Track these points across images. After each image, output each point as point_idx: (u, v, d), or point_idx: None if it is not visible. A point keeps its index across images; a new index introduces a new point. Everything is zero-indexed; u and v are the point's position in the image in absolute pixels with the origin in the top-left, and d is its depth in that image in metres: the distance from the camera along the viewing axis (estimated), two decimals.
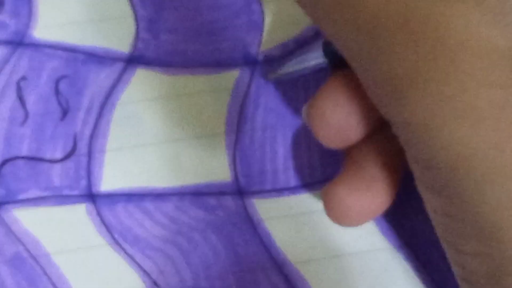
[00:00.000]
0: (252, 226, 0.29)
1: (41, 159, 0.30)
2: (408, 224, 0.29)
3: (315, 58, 0.28)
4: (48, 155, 0.30)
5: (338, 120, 0.26)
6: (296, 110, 0.31)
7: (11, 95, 0.30)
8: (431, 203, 0.23)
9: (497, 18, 0.21)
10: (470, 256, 0.22)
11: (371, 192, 0.26)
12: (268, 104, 0.31)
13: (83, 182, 0.29)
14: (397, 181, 0.27)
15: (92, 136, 0.30)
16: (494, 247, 0.21)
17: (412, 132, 0.22)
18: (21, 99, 0.30)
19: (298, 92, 0.31)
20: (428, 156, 0.22)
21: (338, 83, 0.26)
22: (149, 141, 0.30)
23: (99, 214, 0.29)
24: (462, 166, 0.21)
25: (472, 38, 0.20)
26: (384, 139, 0.26)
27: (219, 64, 0.31)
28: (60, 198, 0.29)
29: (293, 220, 0.29)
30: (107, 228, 0.29)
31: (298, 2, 0.24)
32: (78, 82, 0.31)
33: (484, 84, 0.20)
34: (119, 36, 0.31)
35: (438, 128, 0.21)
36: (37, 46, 0.31)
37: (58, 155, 0.30)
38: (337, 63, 0.27)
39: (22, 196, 0.29)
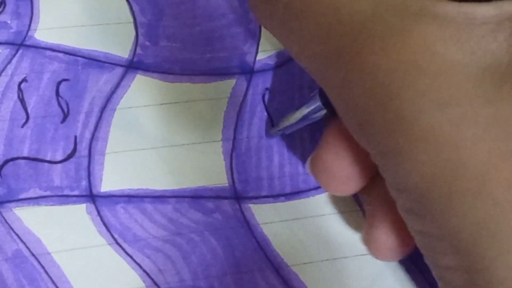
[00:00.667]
0: (249, 229, 0.30)
1: (41, 160, 0.30)
2: None
3: (314, 109, 0.28)
4: (48, 157, 0.30)
5: (342, 171, 0.27)
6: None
7: (12, 97, 0.31)
8: (409, 223, 0.24)
9: (461, 34, 0.21)
10: (446, 270, 0.23)
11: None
12: (264, 113, 0.31)
13: (84, 183, 0.30)
14: None
15: (92, 139, 0.31)
16: (465, 261, 0.22)
17: (382, 159, 0.23)
18: (22, 101, 0.31)
19: (293, 102, 0.32)
20: (398, 181, 0.22)
21: (336, 133, 0.27)
22: (148, 145, 0.31)
23: (99, 214, 0.30)
24: (428, 187, 0.21)
25: (428, 57, 0.21)
26: None
27: (216, 72, 0.32)
28: (60, 197, 0.30)
29: (289, 224, 0.30)
30: (107, 228, 0.30)
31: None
32: (78, 86, 0.31)
33: (440, 104, 0.20)
34: (119, 41, 0.32)
35: (403, 154, 0.21)
36: (39, 48, 0.32)
37: (59, 156, 0.30)
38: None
39: (23, 195, 0.30)
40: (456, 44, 0.21)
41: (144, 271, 0.29)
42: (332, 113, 0.27)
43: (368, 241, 0.28)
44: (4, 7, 0.32)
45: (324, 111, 0.28)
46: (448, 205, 0.21)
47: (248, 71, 0.32)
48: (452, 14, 0.21)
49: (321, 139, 0.27)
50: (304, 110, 0.29)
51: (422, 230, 0.23)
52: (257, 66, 0.32)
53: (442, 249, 0.22)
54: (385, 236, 0.27)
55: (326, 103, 0.27)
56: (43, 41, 0.32)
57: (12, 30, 0.32)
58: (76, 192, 0.30)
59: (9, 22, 0.32)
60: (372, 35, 0.21)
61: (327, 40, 0.22)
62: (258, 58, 0.32)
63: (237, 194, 0.30)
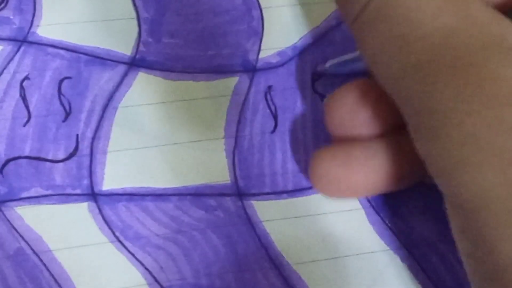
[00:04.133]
0: (251, 227, 0.30)
1: (43, 159, 0.30)
2: (405, 226, 0.30)
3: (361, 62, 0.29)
4: (50, 156, 0.30)
5: (345, 117, 0.27)
6: (293, 116, 0.31)
7: (14, 95, 0.31)
8: (459, 243, 0.24)
9: None
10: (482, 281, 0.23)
11: (362, 169, 0.27)
12: (267, 110, 0.31)
13: (85, 182, 0.30)
14: (396, 171, 0.28)
15: (94, 138, 0.31)
16: None
17: (442, 169, 0.23)
18: (24, 99, 0.31)
19: (295, 98, 0.32)
20: (454, 193, 0.22)
21: (361, 85, 0.27)
22: (150, 143, 0.31)
23: (100, 212, 0.30)
24: (480, 206, 0.21)
25: (506, 83, 0.21)
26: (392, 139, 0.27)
27: (219, 70, 0.32)
28: (62, 196, 0.30)
29: (291, 222, 0.30)
30: (109, 226, 0.29)
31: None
32: (80, 84, 0.31)
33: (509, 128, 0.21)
34: (122, 38, 0.32)
35: (463, 168, 0.21)
36: (41, 44, 0.32)
37: (60, 155, 0.30)
38: None
39: (24, 194, 0.30)
40: None
41: (146, 268, 0.29)
42: None
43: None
44: (6, 3, 0.32)
45: None
46: (496, 228, 0.21)
47: (251, 69, 0.32)
48: None
49: (349, 82, 0.28)
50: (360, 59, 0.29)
51: (469, 252, 0.23)
52: (259, 64, 0.32)
53: (485, 275, 0.22)
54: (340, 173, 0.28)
55: None
56: (45, 38, 0.32)
57: (14, 26, 0.32)
58: (77, 191, 0.30)
59: (11, 17, 0.32)
60: (448, 56, 0.22)
61: (402, 52, 0.23)
62: (260, 56, 0.32)
63: (240, 191, 0.30)
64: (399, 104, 0.24)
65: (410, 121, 0.24)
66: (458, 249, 0.24)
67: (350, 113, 0.27)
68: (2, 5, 0.32)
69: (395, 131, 0.27)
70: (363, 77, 0.29)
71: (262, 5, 0.33)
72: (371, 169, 0.27)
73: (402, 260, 0.30)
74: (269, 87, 0.32)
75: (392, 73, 0.24)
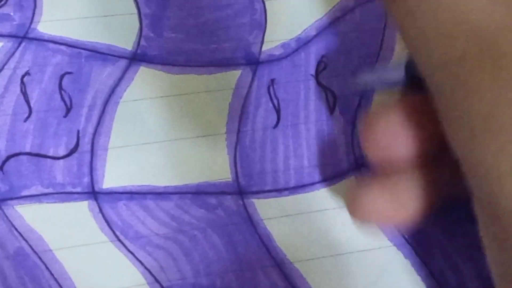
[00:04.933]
0: (252, 226, 0.29)
1: (44, 156, 0.30)
2: None
3: (395, 74, 0.28)
4: (51, 152, 0.30)
5: (385, 139, 0.26)
6: (296, 110, 0.31)
7: (15, 91, 0.31)
8: (488, 249, 0.23)
9: None
10: None
11: (399, 201, 0.26)
12: (269, 104, 0.31)
13: (86, 179, 0.30)
14: (429, 205, 0.27)
15: (95, 134, 0.30)
16: None
17: (480, 175, 0.22)
18: (24, 95, 0.31)
19: (299, 91, 0.31)
20: (492, 202, 0.21)
21: (401, 105, 0.26)
22: (151, 139, 0.30)
23: (101, 211, 0.29)
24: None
25: None
26: (430, 164, 0.27)
27: (221, 63, 0.31)
28: (62, 195, 0.30)
29: (292, 220, 0.30)
30: (109, 225, 0.29)
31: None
32: (81, 79, 0.31)
33: None
34: (123, 33, 0.32)
35: (504, 176, 0.21)
36: (41, 40, 0.31)
37: (61, 151, 0.30)
38: (413, 86, 0.26)
39: (25, 193, 0.29)
40: None
41: (146, 268, 0.29)
42: (408, 88, 0.27)
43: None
44: None
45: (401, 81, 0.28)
46: None
47: (254, 62, 0.32)
48: None
49: (385, 104, 0.27)
50: (384, 76, 0.28)
51: (501, 260, 0.22)
52: (262, 57, 0.32)
53: None
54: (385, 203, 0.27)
55: (408, 75, 0.27)
56: (46, 34, 0.31)
57: (14, 23, 0.32)
58: (78, 189, 0.30)
59: (12, 14, 0.32)
60: (496, 54, 0.21)
61: (446, 43, 0.22)
62: (263, 48, 0.32)
63: (241, 189, 0.30)
64: (436, 97, 0.23)
65: (446, 116, 0.23)
66: (485, 253, 0.23)
67: (395, 135, 0.26)
68: (3, 2, 0.32)
69: (435, 153, 0.26)
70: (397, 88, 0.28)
71: None
72: (415, 202, 0.26)
73: (405, 256, 0.30)
74: (272, 80, 0.31)
75: (433, 63, 0.22)
